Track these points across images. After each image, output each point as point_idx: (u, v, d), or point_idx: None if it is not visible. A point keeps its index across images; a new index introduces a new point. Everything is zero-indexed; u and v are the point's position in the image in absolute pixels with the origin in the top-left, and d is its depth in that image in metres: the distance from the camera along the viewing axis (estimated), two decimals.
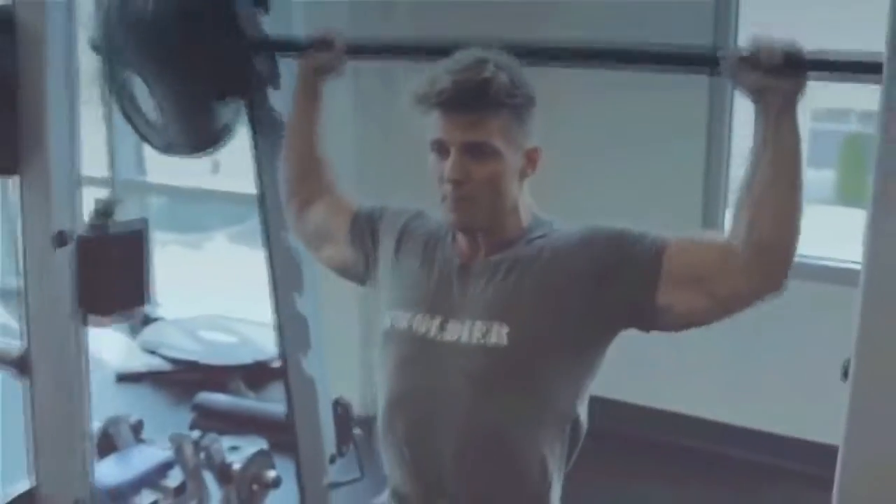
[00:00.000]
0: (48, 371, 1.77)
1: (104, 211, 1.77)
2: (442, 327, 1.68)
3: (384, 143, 3.36)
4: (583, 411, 1.72)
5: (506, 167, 1.64)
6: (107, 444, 2.86)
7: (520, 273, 1.67)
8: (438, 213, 1.75)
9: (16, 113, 1.68)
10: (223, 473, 2.72)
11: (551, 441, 1.68)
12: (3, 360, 1.84)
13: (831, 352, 2.94)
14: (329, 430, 2.50)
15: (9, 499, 1.87)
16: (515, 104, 1.62)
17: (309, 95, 2.02)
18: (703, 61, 1.69)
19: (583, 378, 1.70)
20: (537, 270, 1.66)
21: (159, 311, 4.48)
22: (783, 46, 1.50)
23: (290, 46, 2.09)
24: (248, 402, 3.49)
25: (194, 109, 2.10)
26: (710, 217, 3.40)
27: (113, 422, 2.85)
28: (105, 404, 3.66)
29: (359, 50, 2.02)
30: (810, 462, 3.14)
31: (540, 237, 1.71)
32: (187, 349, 3.79)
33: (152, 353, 3.86)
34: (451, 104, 1.60)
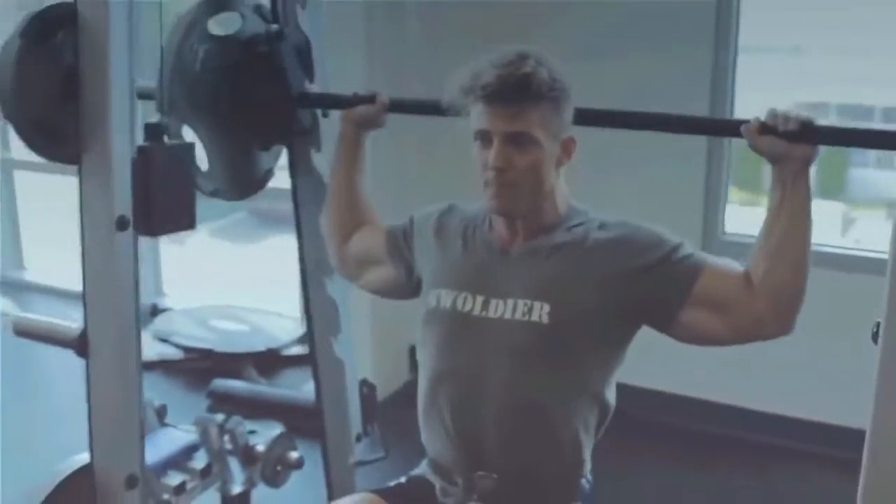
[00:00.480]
0: (106, 351, 1.84)
1: (157, 129, 1.85)
2: (485, 305, 1.79)
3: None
4: (611, 391, 1.83)
5: (545, 156, 1.75)
6: None
7: (562, 257, 1.78)
8: (472, 204, 1.89)
9: (77, 104, 1.76)
10: (247, 455, 2.79)
11: (585, 415, 1.79)
12: (62, 339, 1.92)
13: (834, 334, 3.09)
14: (356, 411, 2.59)
15: (67, 473, 1.95)
16: (554, 97, 1.73)
17: (351, 146, 2.15)
18: (726, 129, 1.80)
19: (613, 360, 1.81)
20: (580, 256, 1.77)
21: (167, 302, 4.56)
22: (798, 117, 1.62)
23: (334, 103, 2.22)
24: (263, 388, 3.58)
25: (241, 158, 2.23)
26: (710, 217, 3.50)
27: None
28: None
29: (399, 106, 2.14)
30: (818, 442, 3.28)
31: (578, 225, 1.82)
32: (200, 337, 3.86)
33: (165, 341, 3.93)
34: (496, 97, 1.70)
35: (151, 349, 3.98)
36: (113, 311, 1.83)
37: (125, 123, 1.77)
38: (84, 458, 1.97)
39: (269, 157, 2.30)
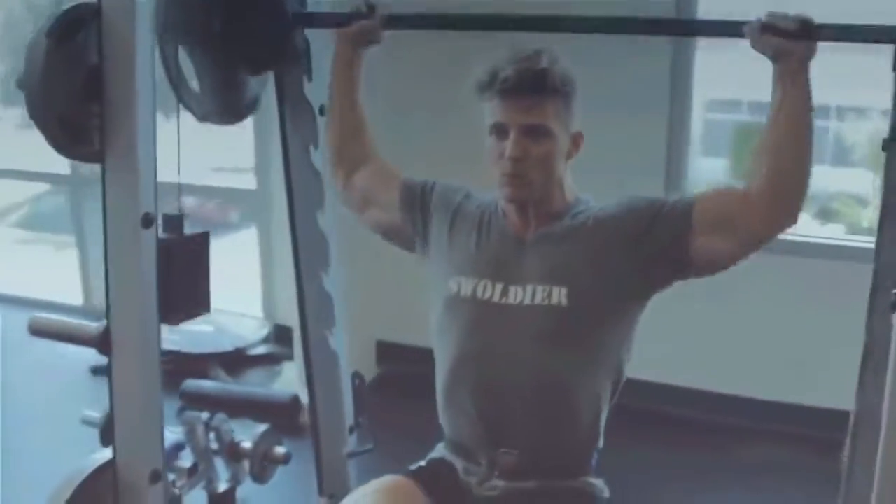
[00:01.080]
0: (128, 347, 1.86)
1: (176, 221, 1.90)
2: (504, 292, 1.87)
3: None
4: (627, 358, 1.93)
5: (557, 147, 1.85)
6: (112, 427, 2.92)
7: (572, 242, 1.87)
8: (485, 193, 1.98)
9: (101, 103, 1.77)
10: (233, 452, 2.82)
11: (602, 389, 1.90)
12: (82, 338, 1.93)
13: (786, 317, 3.24)
14: (349, 402, 2.64)
15: (91, 469, 1.96)
16: (566, 92, 1.84)
17: (348, 65, 2.13)
18: (729, 29, 1.87)
19: (627, 332, 1.91)
20: (586, 238, 1.87)
21: None
22: (797, 16, 1.73)
23: (332, 21, 2.18)
24: (235, 387, 3.59)
25: (231, 82, 2.19)
26: (673, 170, 3.61)
27: None
28: (82, 396, 3.72)
29: (396, 21, 2.11)
30: (781, 422, 3.44)
31: (583, 211, 1.92)
32: (166, 339, 3.83)
33: None
34: (513, 90, 1.80)
35: None
36: (137, 308, 1.85)
37: (149, 122, 1.79)
38: (101, 457, 2.00)
39: (258, 84, 2.26)
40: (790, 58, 1.73)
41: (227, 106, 2.21)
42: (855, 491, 2.22)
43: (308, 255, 2.44)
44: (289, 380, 3.92)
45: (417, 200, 2.07)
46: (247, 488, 2.82)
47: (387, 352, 3.71)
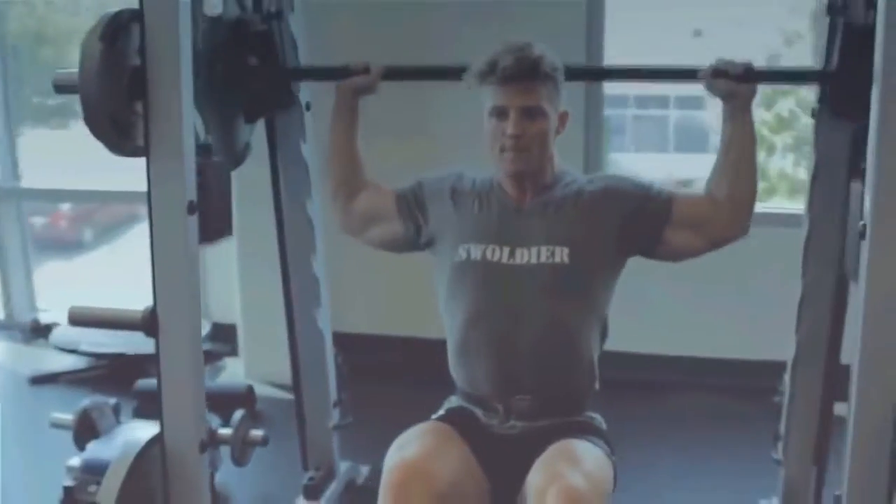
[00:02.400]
0: (174, 327, 2.00)
1: (206, 148, 2.08)
2: (511, 254, 2.12)
3: None
4: (608, 314, 2.22)
5: (549, 125, 2.12)
6: (86, 428, 3.01)
7: (568, 208, 2.15)
8: (477, 171, 2.25)
9: (145, 100, 1.92)
10: (213, 439, 2.95)
11: (596, 337, 2.17)
12: (126, 322, 2.06)
13: (711, 281, 3.61)
14: (333, 378, 2.83)
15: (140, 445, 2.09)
16: (555, 77, 2.11)
17: (347, 113, 2.36)
18: (685, 75, 2.25)
19: (612, 288, 2.20)
20: (582, 205, 2.16)
21: (47, 317, 4.50)
22: (742, 62, 2.11)
23: (327, 75, 2.42)
24: None
25: (234, 129, 2.39)
26: (591, 155, 3.90)
27: (96, 405, 3.00)
28: (24, 406, 3.74)
29: (393, 73, 2.37)
30: (710, 375, 3.82)
31: (571, 182, 2.20)
32: (108, 343, 3.87)
33: (73, 351, 3.93)
34: (513, 77, 2.06)
35: (55, 362, 3.98)
36: (183, 289, 2.00)
37: (190, 117, 1.96)
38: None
39: (248, 131, 2.45)
40: (737, 98, 2.11)
41: (229, 151, 2.38)
42: (795, 417, 2.59)
43: (296, 240, 2.63)
44: (233, 374, 4.04)
45: (412, 202, 2.29)
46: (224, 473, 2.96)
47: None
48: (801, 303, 2.49)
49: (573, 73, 2.21)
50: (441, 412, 2.21)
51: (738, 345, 3.85)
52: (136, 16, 1.90)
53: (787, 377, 2.62)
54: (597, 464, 1.97)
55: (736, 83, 2.10)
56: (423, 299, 4.13)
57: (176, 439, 2.07)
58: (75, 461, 2.84)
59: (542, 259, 2.11)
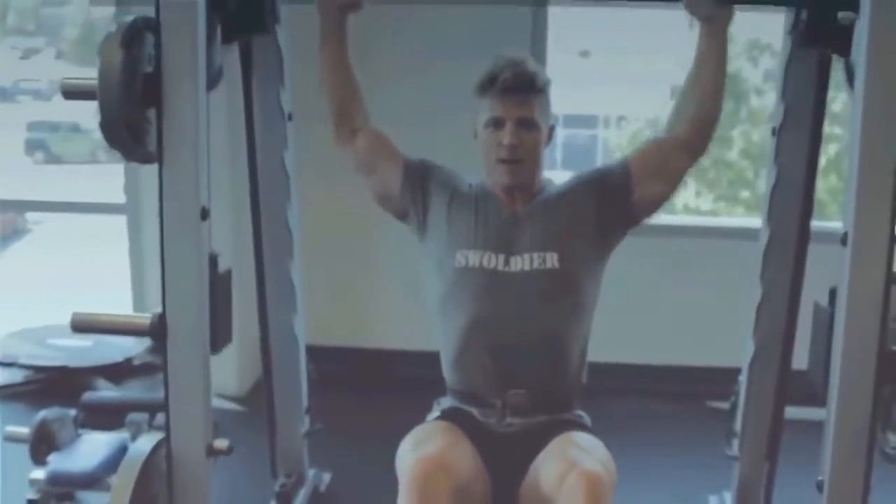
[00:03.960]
0: (183, 332, 2.01)
1: (213, 259, 2.07)
2: (507, 262, 2.22)
3: None
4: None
5: (541, 137, 2.24)
6: (44, 441, 2.95)
7: (550, 213, 2.26)
8: (469, 176, 2.35)
9: (159, 107, 1.94)
10: None
11: (585, 335, 2.30)
12: (136, 329, 2.07)
13: (652, 291, 3.76)
14: (305, 384, 2.86)
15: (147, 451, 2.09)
16: (546, 91, 2.25)
17: (335, 31, 2.32)
18: None
19: (599, 285, 2.32)
20: (560, 209, 2.27)
21: None
22: None
23: None
24: (134, 395, 3.62)
25: (209, 49, 2.15)
26: None
27: (56, 416, 2.95)
28: None
29: None
30: (648, 381, 3.98)
31: (548, 188, 2.33)
32: (49, 356, 3.79)
33: (11, 365, 3.82)
34: (511, 89, 2.18)
35: None
36: (193, 295, 2.01)
37: (204, 124, 1.98)
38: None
39: (221, 54, 2.25)
40: (715, 21, 2.18)
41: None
42: (750, 415, 2.75)
43: (273, 246, 2.66)
44: None
45: (418, 183, 2.34)
46: None
47: None
48: (759, 308, 2.65)
49: None
50: (437, 413, 2.28)
51: (669, 351, 4.04)
52: (150, 23, 1.92)
53: (742, 378, 2.78)
54: (604, 453, 2.08)
55: (714, 6, 2.16)
56: (374, 311, 4.26)
57: (183, 444, 2.07)
58: (39, 474, 2.78)
59: (535, 265, 2.21)
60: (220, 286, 2.10)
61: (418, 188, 2.34)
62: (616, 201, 2.26)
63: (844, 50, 2.06)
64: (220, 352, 2.15)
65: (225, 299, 2.15)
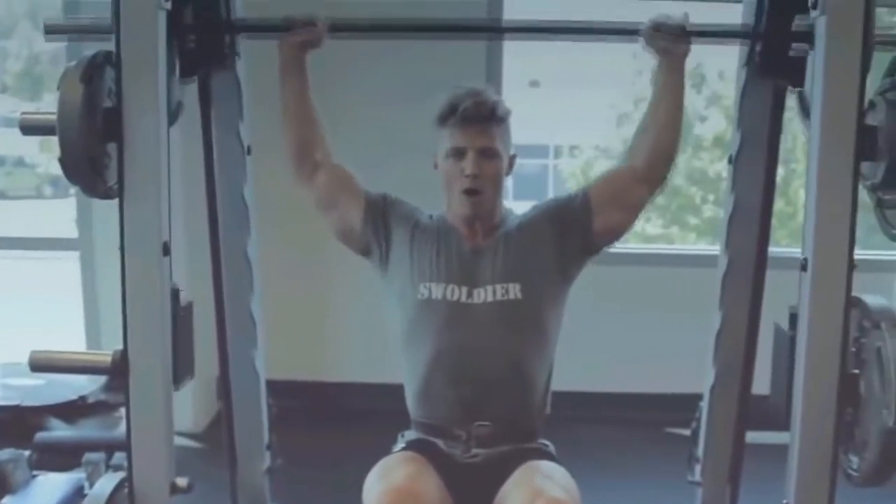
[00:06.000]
0: (145, 369, 1.99)
1: (174, 294, 2.05)
2: (469, 294, 2.22)
3: None
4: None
5: (502, 167, 2.26)
6: None
7: (513, 245, 2.28)
8: (429, 209, 2.34)
9: (119, 141, 1.92)
10: None
11: (549, 366, 2.31)
12: (96, 367, 2.03)
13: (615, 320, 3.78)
14: (265, 420, 2.83)
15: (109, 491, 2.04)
16: (507, 120, 2.26)
17: (295, 70, 2.30)
18: (626, 32, 2.29)
19: (562, 315, 2.33)
20: (521, 240, 2.28)
21: None
22: (678, 21, 2.19)
23: (271, 27, 2.32)
24: (92, 434, 3.55)
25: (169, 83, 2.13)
26: None
27: (10, 458, 2.89)
28: None
29: (341, 27, 2.30)
30: (613, 409, 4.00)
31: (514, 220, 2.34)
32: (0, 396, 3.72)
33: None
34: (472, 119, 2.19)
35: None
36: (155, 332, 1.99)
37: (165, 159, 1.97)
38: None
39: (181, 89, 2.26)
40: (672, 55, 2.21)
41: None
42: (712, 441, 2.77)
43: (234, 280, 2.62)
44: None
45: (379, 217, 2.33)
46: None
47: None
48: (718, 335, 2.68)
49: (506, 29, 2.29)
50: (402, 444, 2.27)
51: (627, 379, 4.06)
52: (109, 58, 1.91)
53: (702, 404, 2.80)
54: (568, 480, 2.08)
55: (672, 40, 2.18)
56: (333, 344, 4.24)
57: (146, 483, 2.03)
58: None
59: (498, 297, 2.21)
60: (181, 320, 2.08)
61: (380, 222, 2.33)
62: (576, 230, 2.28)
63: (798, 81, 2.11)
64: (181, 387, 2.12)
65: (186, 333, 2.13)
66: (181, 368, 2.09)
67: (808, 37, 1.99)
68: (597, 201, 2.28)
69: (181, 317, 2.08)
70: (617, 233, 2.31)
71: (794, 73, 2.11)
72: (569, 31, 2.37)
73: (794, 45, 2.08)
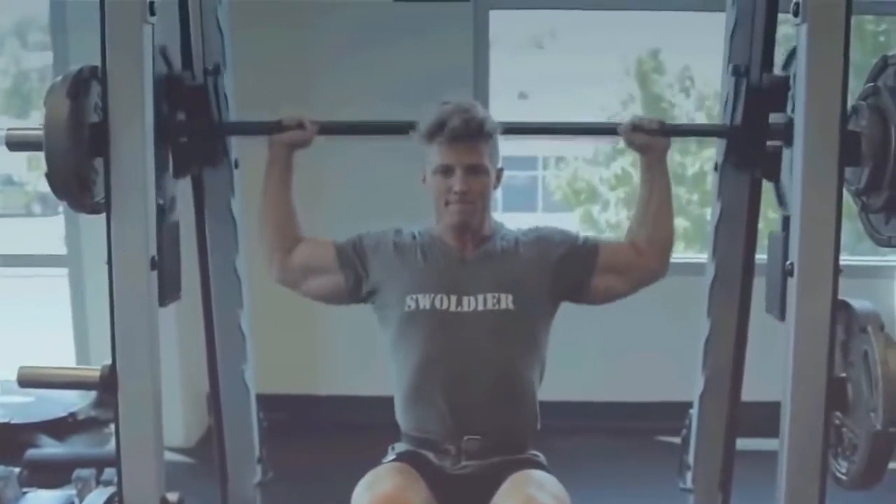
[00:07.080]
0: (134, 383, 1.98)
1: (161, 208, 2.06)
2: (459, 302, 2.23)
3: None
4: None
5: (490, 182, 2.27)
6: None
7: (509, 258, 2.29)
8: (413, 224, 2.38)
9: (106, 157, 1.92)
10: None
11: (538, 378, 2.31)
12: (85, 382, 2.02)
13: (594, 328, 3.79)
14: (256, 435, 2.82)
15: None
16: (494, 137, 2.26)
17: (282, 167, 2.36)
18: (607, 131, 2.45)
19: (549, 329, 2.33)
20: (519, 256, 2.30)
21: None
22: (654, 119, 2.29)
23: (260, 129, 2.41)
24: (82, 450, 3.54)
25: (157, 185, 2.18)
26: None
27: (2, 475, 2.87)
28: None
29: (329, 129, 2.41)
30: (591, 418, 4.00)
31: (507, 234, 2.35)
32: None
33: None
34: (460, 136, 2.20)
35: None
36: (144, 346, 1.98)
37: (151, 174, 1.97)
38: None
39: (174, 186, 2.33)
40: (653, 150, 2.29)
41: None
42: (702, 448, 2.78)
43: (223, 296, 2.63)
44: None
45: (353, 252, 2.35)
46: None
47: None
48: (707, 342, 2.69)
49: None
50: (392, 456, 2.27)
51: (616, 388, 4.07)
52: (96, 73, 1.91)
53: (692, 412, 2.81)
54: (559, 489, 2.09)
55: (651, 137, 2.27)
56: (323, 357, 4.23)
57: (136, 498, 2.02)
58: None
59: (489, 306, 2.22)
60: (167, 237, 2.09)
61: (354, 257, 2.35)
62: (574, 273, 2.32)
63: (774, 175, 2.22)
64: (167, 304, 2.10)
65: (173, 249, 2.14)
66: (167, 286, 2.07)
67: (783, 134, 2.10)
68: (604, 260, 2.33)
69: (167, 234, 2.08)
70: (610, 297, 2.37)
71: (770, 167, 2.22)
72: (553, 132, 2.61)
73: (769, 142, 2.20)
